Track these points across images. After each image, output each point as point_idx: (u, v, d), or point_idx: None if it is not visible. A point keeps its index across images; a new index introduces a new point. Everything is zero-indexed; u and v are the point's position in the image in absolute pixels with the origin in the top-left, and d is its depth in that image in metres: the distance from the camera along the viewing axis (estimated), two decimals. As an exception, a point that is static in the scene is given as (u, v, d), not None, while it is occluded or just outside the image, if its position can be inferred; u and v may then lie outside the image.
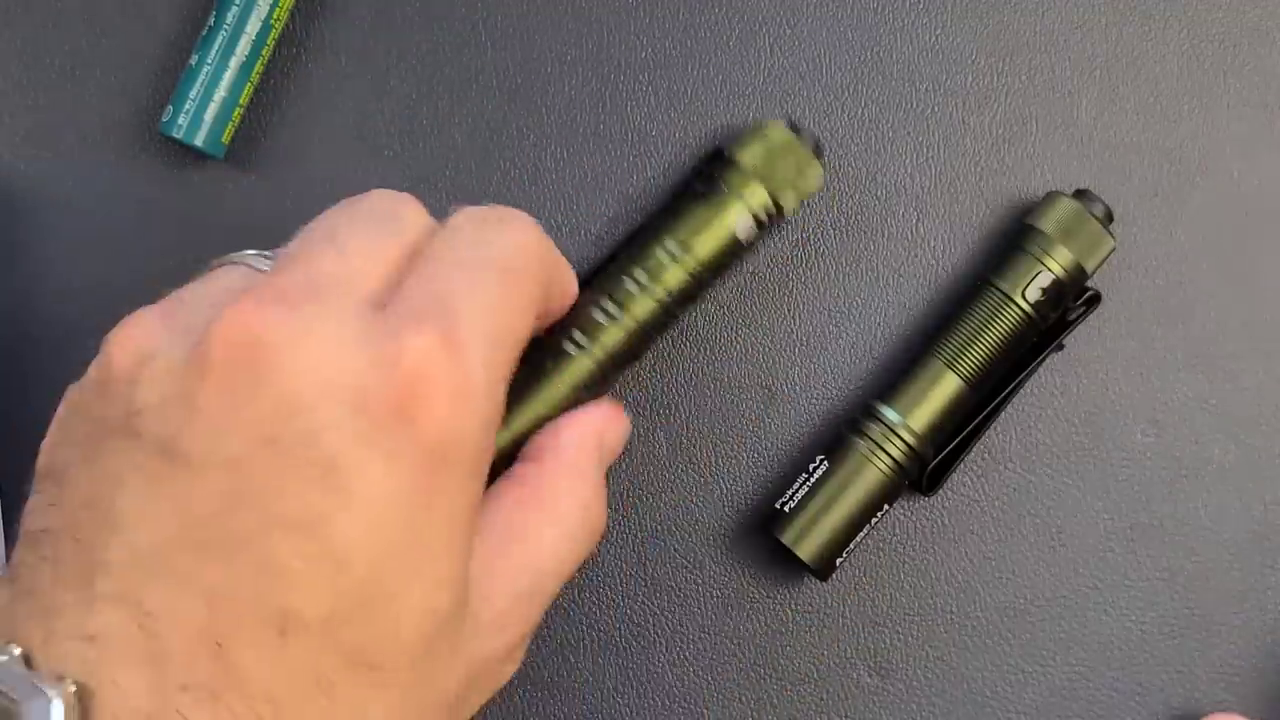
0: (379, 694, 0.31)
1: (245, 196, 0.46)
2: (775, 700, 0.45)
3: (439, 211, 0.46)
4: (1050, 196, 0.45)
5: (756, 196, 0.43)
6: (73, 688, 0.28)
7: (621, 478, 0.46)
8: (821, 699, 0.45)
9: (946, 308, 0.45)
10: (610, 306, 0.41)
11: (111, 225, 0.46)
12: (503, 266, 0.35)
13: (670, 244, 0.42)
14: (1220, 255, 0.46)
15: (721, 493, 0.46)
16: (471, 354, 0.32)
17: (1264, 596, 0.45)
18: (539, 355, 0.41)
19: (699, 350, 0.46)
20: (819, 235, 0.46)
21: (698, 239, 0.42)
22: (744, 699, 0.45)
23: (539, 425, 0.42)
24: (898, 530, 0.46)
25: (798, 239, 0.46)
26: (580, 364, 0.41)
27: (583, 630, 0.45)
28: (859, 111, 0.47)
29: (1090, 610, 0.46)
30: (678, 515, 0.46)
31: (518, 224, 0.36)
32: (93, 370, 0.33)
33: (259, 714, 0.29)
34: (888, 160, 0.47)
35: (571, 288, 0.39)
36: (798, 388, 0.46)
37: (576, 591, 0.46)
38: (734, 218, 0.43)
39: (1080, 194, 0.45)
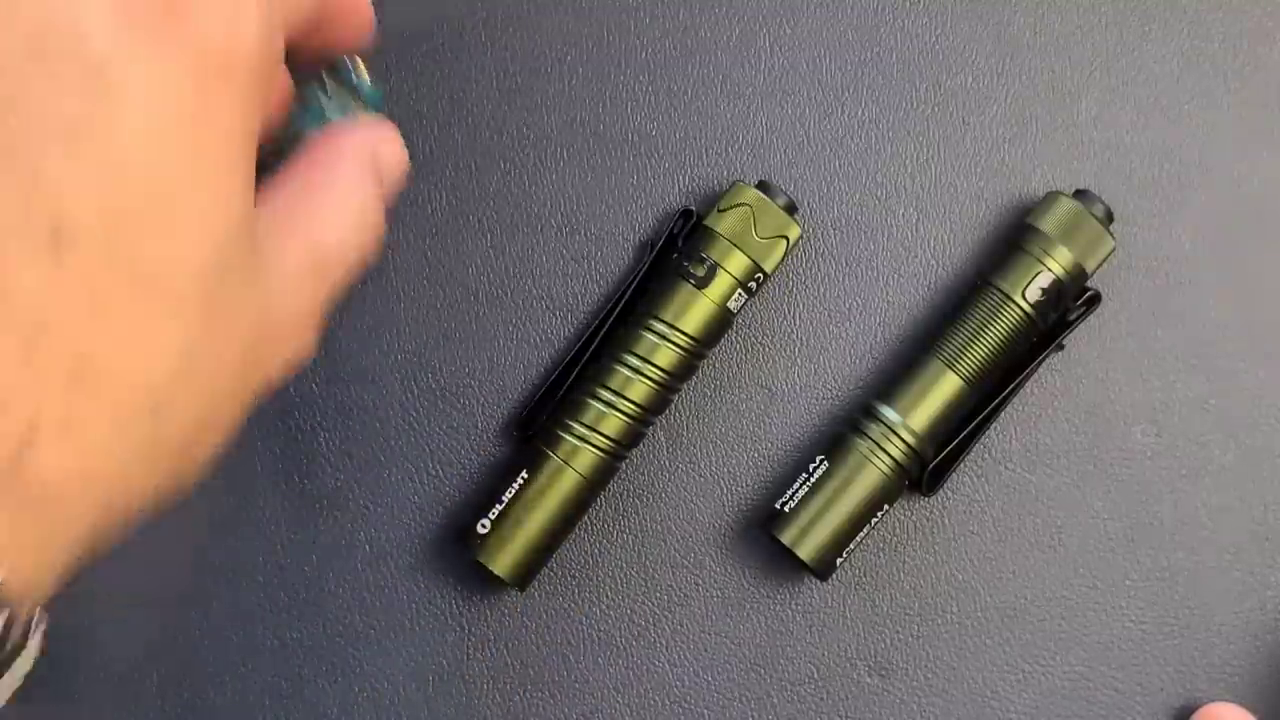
0: (162, 318, 0.30)
1: (245, 196, 0.46)
2: (775, 700, 0.45)
3: (442, 213, 0.46)
4: (1050, 196, 0.45)
5: (742, 269, 0.44)
6: None
7: (622, 478, 0.46)
8: (821, 699, 0.45)
9: (946, 308, 0.45)
10: (606, 394, 0.43)
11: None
12: None
13: (661, 326, 0.43)
14: (1220, 255, 0.46)
15: (721, 493, 0.46)
16: None
17: (1264, 596, 0.45)
18: (543, 454, 0.43)
19: (699, 350, 0.46)
20: (819, 235, 0.46)
21: (688, 319, 0.43)
22: (744, 699, 0.45)
23: (556, 531, 0.44)
24: (898, 530, 0.46)
25: (799, 239, 0.46)
26: (585, 454, 0.43)
27: (583, 630, 0.45)
28: (859, 112, 0.47)
29: (1090, 610, 0.46)
30: (678, 515, 0.46)
31: None
32: None
33: (27, 339, 0.28)
34: (888, 160, 0.47)
35: None
36: (798, 388, 0.46)
37: (577, 591, 0.46)
38: (725, 295, 0.44)
39: (1080, 194, 0.45)
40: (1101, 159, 0.46)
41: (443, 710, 0.45)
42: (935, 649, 0.45)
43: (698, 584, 0.46)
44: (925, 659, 0.45)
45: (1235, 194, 0.46)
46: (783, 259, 0.44)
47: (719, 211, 0.44)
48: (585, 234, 0.46)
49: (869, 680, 0.45)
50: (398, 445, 0.46)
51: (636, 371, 0.43)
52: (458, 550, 0.45)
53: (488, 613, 0.45)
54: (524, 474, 0.43)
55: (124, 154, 0.29)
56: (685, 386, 0.45)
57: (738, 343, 0.46)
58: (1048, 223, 0.44)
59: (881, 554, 0.46)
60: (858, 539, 0.44)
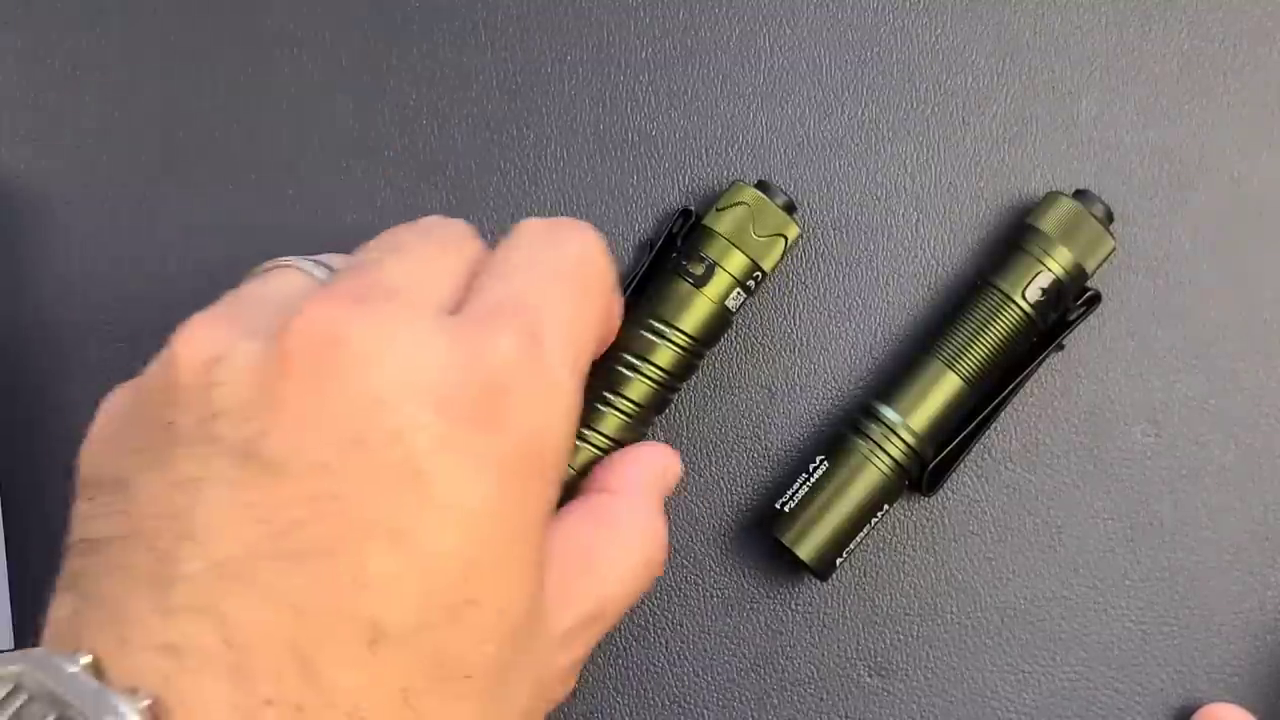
0: (461, 705, 0.30)
1: (245, 197, 0.46)
2: (775, 700, 0.45)
3: (442, 213, 0.46)
4: (1050, 196, 0.45)
5: (740, 268, 0.44)
6: (147, 701, 0.27)
7: (621, 478, 0.46)
8: (821, 699, 0.45)
9: (946, 308, 0.45)
10: (605, 394, 0.43)
11: (111, 225, 0.46)
12: (573, 271, 0.34)
13: (659, 325, 0.43)
14: (1220, 255, 0.46)
15: (721, 493, 0.46)
16: (553, 353, 0.31)
17: (1264, 596, 0.45)
18: None
19: (699, 350, 0.46)
20: (819, 235, 0.46)
21: (687, 318, 0.43)
22: (744, 699, 0.45)
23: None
24: (898, 530, 0.46)
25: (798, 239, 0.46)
26: (584, 454, 0.42)
27: (583, 630, 0.45)
28: (859, 112, 0.47)
29: (1090, 610, 0.45)
30: (678, 515, 0.46)
31: (584, 233, 0.35)
32: (156, 372, 0.32)
33: None
34: (888, 160, 0.47)
35: (619, 312, 0.39)
36: (798, 388, 0.46)
37: (576, 591, 0.46)
38: (723, 293, 0.43)
39: (1080, 194, 0.45)
40: (1101, 159, 0.46)
41: (443, 710, 0.45)
42: (935, 649, 0.45)
43: (698, 584, 0.46)
44: (925, 659, 0.45)
45: (1235, 194, 0.46)
46: (781, 258, 0.44)
47: (717, 211, 0.44)
48: (585, 234, 0.46)
49: (869, 680, 0.45)
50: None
51: (635, 370, 0.43)
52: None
53: (488, 613, 0.45)
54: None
55: (439, 557, 0.29)
56: (685, 386, 0.45)
57: (738, 343, 0.46)
58: (1048, 223, 0.44)
59: (881, 554, 0.46)
60: (858, 539, 0.44)
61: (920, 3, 0.47)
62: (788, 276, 0.46)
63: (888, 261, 0.46)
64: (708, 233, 0.44)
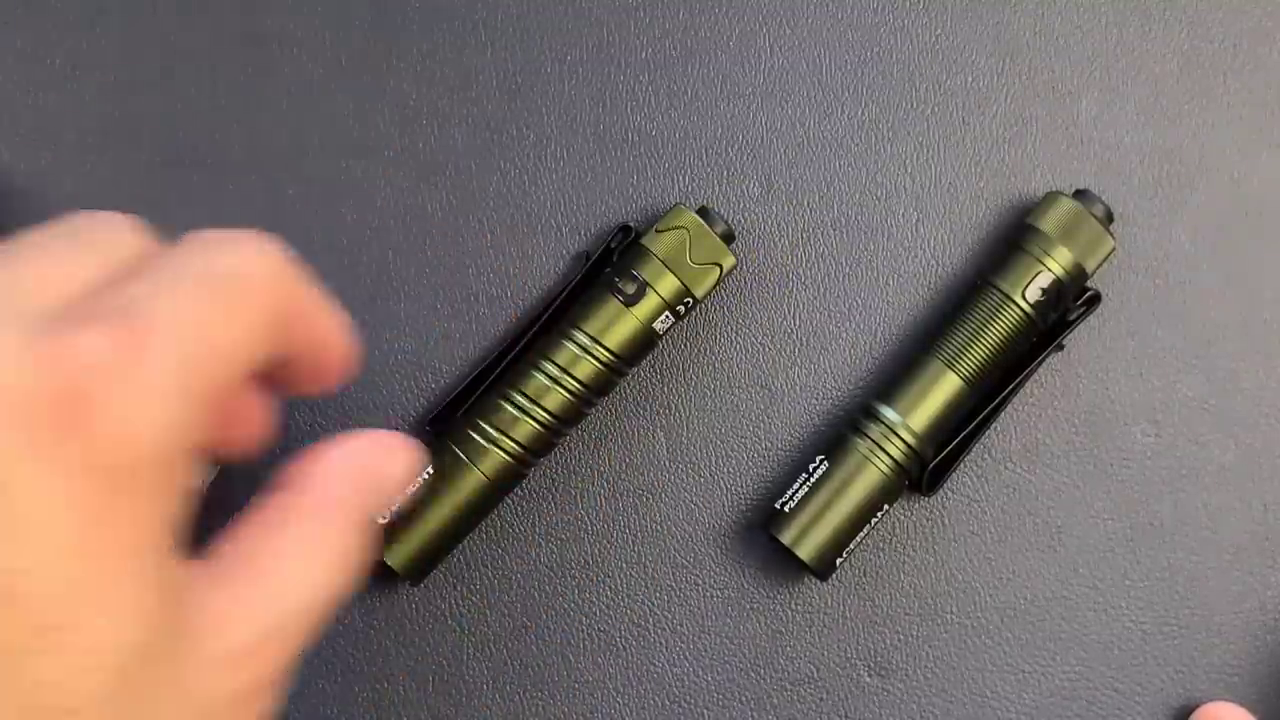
0: None
1: (245, 197, 0.46)
2: (775, 700, 0.45)
3: (442, 213, 0.46)
4: (1050, 196, 0.45)
5: (672, 291, 0.43)
6: None
7: (622, 478, 0.46)
8: (821, 699, 0.45)
9: (946, 308, 0.45)
10: (521, 400, 0.43)
11: (111, 225, 0.46)
12: (216, 281, 0.31)
13: (583, 338, 0.43)
14: (1220, 255, 0.46)
15: (721, 493, 0.46)
16: (157, 356, 0.29)
17: (1264, 596, 0.45)
18: (449, 455, 0.43)
19: (699, 350, 0.46)
20: (819, 235, 0.46)
21: (612, 335, 0.43)
22: (744, 699, 0.45)
23: (452, 529, 0.43)
24: (898, 530, 0.46)
25: (798, 239, 0.46)
26: (493, 457, 0.43)
27: (583, 630, 0.45)
28: (859, 111, 0.47)
29: (1090, 610, 0.46)
30: (678, 515, 0.46)
31: (249, 244, 0.32)
32: None
33: None
34: (888, 160, 0.47)
35: (332, 333, 0.35)
36: (798, 388, 0.46)
37: (576, 591, 0.46)
38: (651, 314, 0.43)
39: (1080, 194, 0.45)
40: (1101, 159, 0.46)
41: (443, 710, 0.45)
42: (935, 649, 0.46)
43: (698, 584, 0.46)
44: (925, 659, 0.45)
45: (1235, 194, 0.46)
46: (714, 287, 0.44)
47: (656, 232, 0.44)
48: (585, 234, 0.46)
49: (869, 680, 0.46)
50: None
51: (554, 380, 0.43)
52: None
53: (487, 613, 0.45)
54: (429, 469, 0.43)
55: (18, 576, 0.27)
56: (685, 386, 0.45)
57: (738, 342, 0.46)
58: (1048, 223, 0.44)
59: (881, 554, 0.46)
60: (858, 539, 0.44)
61: (920, 3, 0.47)
62: (788, 277, 0.46)
63: (888, 261, 0.46)
64: (644, 253, 0.44)
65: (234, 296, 0.31)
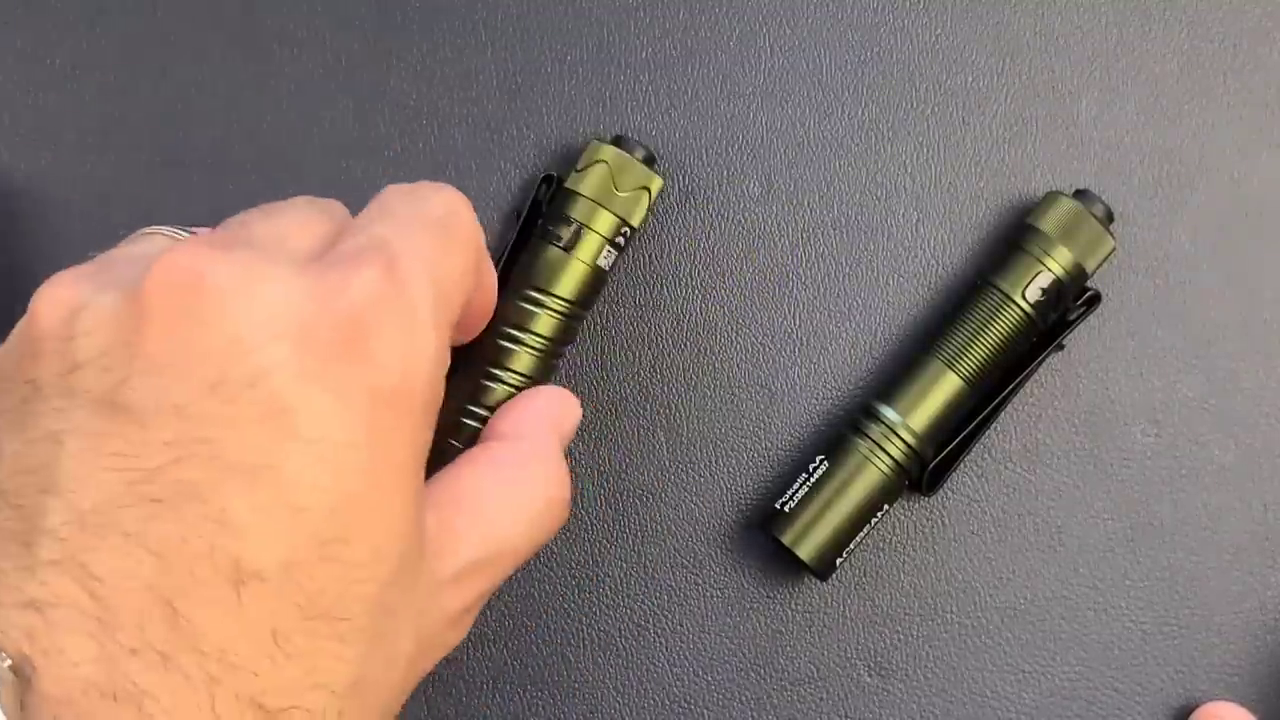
0: (336, 647, 0.29)
1: (245, 197, 0.46)
2: (775, 700, 0.45)
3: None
4: (1050, 196, 0.45)
5: (608, 226, 0.44)
6: (7, 662, 0.27)
7: (622, 478, 0.46)
8: (821, 699, 0.45)
9: (946, 308, 0.45)
10: (492, 370, 0.43)
11: (111, 225, 0.46)
12: (436, 221, 0.34)
13: (535, 293, 0.43)
14: (1220, 255, 0.46)
15: (721, 493, 0.46)
16: (416, 292, 0.31)
17: (1264, 596, 0.45)
18: (440, 444, 0.42)
19: (699, 350, 0.46)
20: (819, 235, 0.46)
21: (560, 283, 0.43)
22: (744, 699, 0.45)
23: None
24: (898, 530, 0.46)
25: (798, 239, 0.46)
26: (473, 431, 0.43)
27: (583, 630, 0.45)
28: (859, 111, 0.47)
29: (1090, 610, 0.45)
30: (678, 515, 0.46)
31: (447, 191, 0.35)
32: (19, 332, 0.31)
33: (211, 673, 0.28)
34: (888, 160, 0.47)
35: (493, 287, 0.39)
36: (798, 388, 0.46)
37: (576, 591, 0.46)
38: (594, 253, 0.44)
39: (1080, 194, 0.45)
40: (1101, 159, 0.46)
41: (442, 710, 0.45)
42: (935, 649, 0.45)
43: (698, 584, 0.46)
44: (925, 659, 0.45)
45: (1235, 194, 0.46)
46: (648, 211, 0.44)
47: (577, 172, 0.44)
48: (585, 234, 0.46)
49: (869, 680, 0.45)
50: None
51: (518, 342, 0.43)
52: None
53: (487, 612, 0.45)
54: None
55: (303, 495, 0.29)
56: (685, 386, 0.45)
57: (738, 342, 0.46)
58: (1048, 223, 0.44)
59: (881, 554, 0.46)
60: (858, 539, 0.44)
61: (920, 3, 0.47)
62: (788, 276, 0.46)
63: (888, 261, 0.46)
64: (571, 195, 0.44)
65: (453, 235, 0.34)
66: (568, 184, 0.44)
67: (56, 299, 0.31)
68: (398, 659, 0.32)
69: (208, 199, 0.46)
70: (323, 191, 0.46)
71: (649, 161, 0.44)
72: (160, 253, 0.31)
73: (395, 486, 0.30)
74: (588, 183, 0.44)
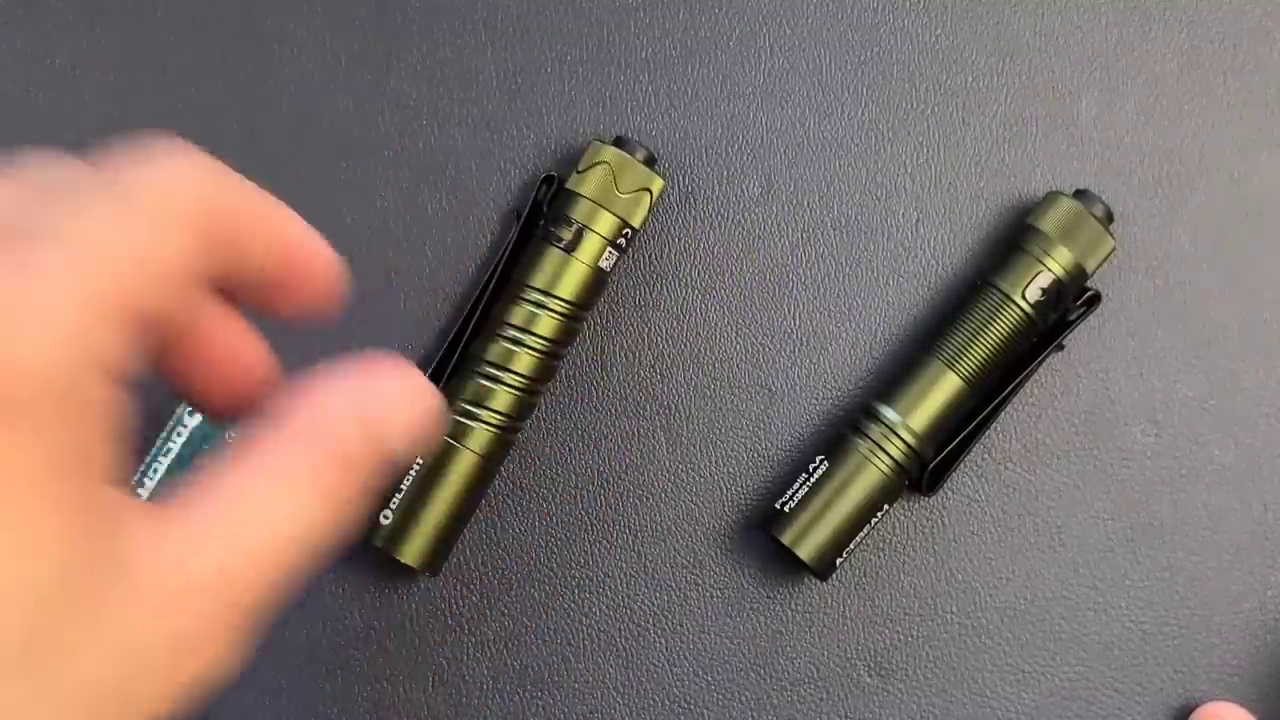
0: None
1: (245, 196, 0.46)
2: (775, 700, 0.45)
3: (442, 213, 0.46)
4: (1050, 196, 0.45)
5: (609, 228, 0.44)
6: None
7: (622, 478, 0.46)
8: (821, 699, 0.45)
9: (946, 308, 0.45)
10: (491, 370, 0.43)
11: (111, 225, 0.46)
12: (129, 195, 0.30)
13: (536, 294, 0.43)
14: (1220, 255, 0.46)
15: (721, 493, 0.46)
16: (51, 277, 0.27)
17: (1264, 596, 0.45)
18: (441, 441, 0.43)
19: (699, 350, 0.46)
20: (819, 235, 0.46)
21: (562, 284, 0.43)
22: (744, 699, 0.45)
23: (459, 512, 0.44)
24: (898, 530, 0.46)
25: (798, 239, 0.46)
26: (479, 432, 0.43)
27: (583, 630, 0.45)
28: (859, 111, 0.47)
29: (1090, 610, 0.46)
30: (678, 515, 0.46)
31: (169, 156, 0.31)
32: None
33: None
34: (888, 160, 0.47)
35: (294, 235, 0.32)
36: (798, 388, 0.46)
37: (576, 591, 0.46)
38: (595, 255, 0.44)
39: (1080, 194, 0.45)
40: (1101, 159, 0.46)
41: (443, 710, 0.45)
42: (935, 649, 0.45)
43: (698, 584, 0.46)
44: (925, 659, 0.45)
45: (1235, 194, 0.46)
46: (649, 213, 0.44)
47: (579, 173, 0.44)
48: (585, 234, 0.46)
49: (869, 680, 0.45)
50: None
51: (518, 343, 0.43)
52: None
53: (487, 613, 0.45)
54: (418, 460, 0.43)
55: None
56: (685, 386, 0.45)
57: (738, 342, 0.46)
58: (1048, 223, 0.44)
59: (881, 554, 0.46)
60: (858, 539, 0.44)
61: (920, 3, 0.47)
62: (788, 276, 0.46)
63: (888, 261, 0.46)
64: (572, 196, 0.44)
65: (149, 209, 0.29)
66: (569, 185, 0.44)
67: None
68: (87, 689, 0.28)
69: (208, 199, 0.46)
70: (323, 191, 0.46)
71: (650, 162, 0.44)
72: None
73: (32, 500, 0.27)
74: (589, 184, 0.44)
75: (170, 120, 0.46)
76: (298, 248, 0.32)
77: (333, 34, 0.47)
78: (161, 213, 0.30)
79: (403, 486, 0.43)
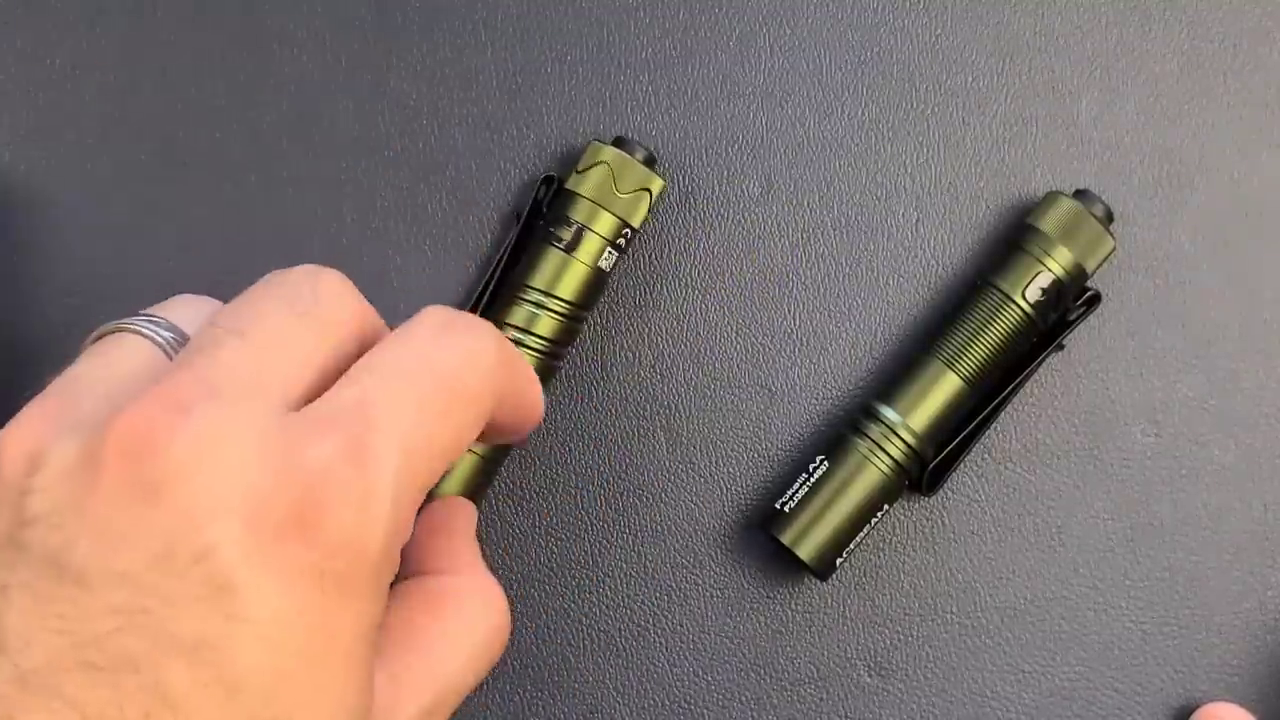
0: None
1: (245, 196, 0.46)
2: (775, 700, 0.45)
3: (442, 213, 0.46)
4: (1050, 196, 0.45)
5: (609, 228, 0.44)
6: None
7: (622, 478, 0.46)
8: (821, 699, 0.45)
9: (946, 308, 0.45)
10: None
11: (111, 225, 0.46)
12: (442, 377, 0.32)
13: (536, 294, 0.43)
14: (1220, 255, 0.46)
15: (721, 493, 0.46)
16: (380, 464, 0.30)
17: (1264, 596, 0.45)
18: None
19: (699, 350, 0.46)
20: (819, 235, 0.46)
21: (561, 284, 0.43)
22: (744, 699, 0.45)
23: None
24: (898, 530, 0.46)
25: (798, 239, 0.46)
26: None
27: (583, 630, 0.45)
28: (859, 111, 0.47)
29: (1090, 610, 0.45)
30: (678, 515, 0.46)
31: (474, 334, 0.33)
32: None
33: None
34: (888, 160, 0.47)
35: (535, 404, 0.36)
36: (798, 388, 0.46)
37: (576, 591, 0.46)
38: (595, 255, 0.44)
39: (1080, 194, 0.45)
40: (1101, 159, 0.46)
41: (443, 710, 0.45)
42: (935, 649, 0.45)
43: (698, 584, 0.46)
44: (925, 659, 0.45)
45: (1235, 194, 0.46)
46: (649, 213, 0.44)
47: (578, 173, 0.44)
48: (585, 234, 0.46)
49: (869, 680, 0.45)
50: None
51: (518, 344, 0.43)
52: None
53: (488, 613, 0.45)
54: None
55: (244, 673, 0.28)
56: (685, 386, 0.45)
57: (738, 342, 0.46)
58: (1048, 223, 0.44)
59: (881, 554, 0.46)
60: (858, 539, 0.44)
61: (920, 3, 0.47)
62: (788, 276, 0.46)
63: (888, 261, 0.46)
64: (572, 196, 0.44)
65: (453, 396, 0.32)
66: (568, 185, 0.44)
67: (20, 440, 0.31)
68: None
69: (208, 199, 0.46)
70: (323, 191, 0.46)
71: (650, 163, 0.44)
72: (129, 388, 0.30)
73: (339, 665, 0.30)
74: (588, 184, 0.44)
75: (170, 120, 0.46)
76: (530, 411, 0.36)
77: (333, 34, 0.47)
78: (462, 401, 0.32)
79: None
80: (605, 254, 0.44)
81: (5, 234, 0.46)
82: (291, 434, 0.30)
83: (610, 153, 0.44)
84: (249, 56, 0.47)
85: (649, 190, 0.44)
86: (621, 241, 0.44)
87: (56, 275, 0.46)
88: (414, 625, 0.34)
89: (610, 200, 0.43)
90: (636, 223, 0.44)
